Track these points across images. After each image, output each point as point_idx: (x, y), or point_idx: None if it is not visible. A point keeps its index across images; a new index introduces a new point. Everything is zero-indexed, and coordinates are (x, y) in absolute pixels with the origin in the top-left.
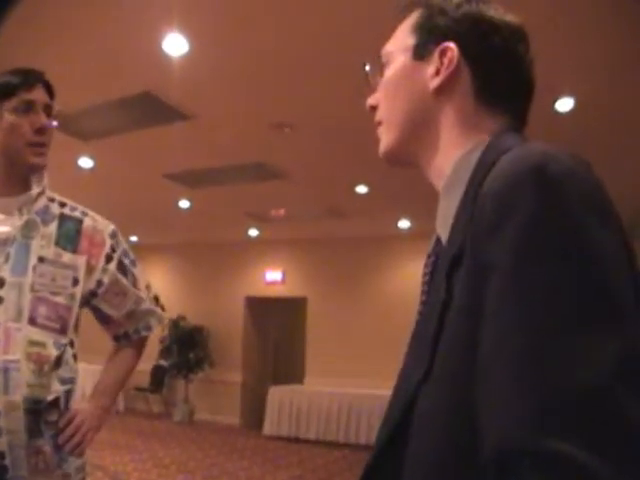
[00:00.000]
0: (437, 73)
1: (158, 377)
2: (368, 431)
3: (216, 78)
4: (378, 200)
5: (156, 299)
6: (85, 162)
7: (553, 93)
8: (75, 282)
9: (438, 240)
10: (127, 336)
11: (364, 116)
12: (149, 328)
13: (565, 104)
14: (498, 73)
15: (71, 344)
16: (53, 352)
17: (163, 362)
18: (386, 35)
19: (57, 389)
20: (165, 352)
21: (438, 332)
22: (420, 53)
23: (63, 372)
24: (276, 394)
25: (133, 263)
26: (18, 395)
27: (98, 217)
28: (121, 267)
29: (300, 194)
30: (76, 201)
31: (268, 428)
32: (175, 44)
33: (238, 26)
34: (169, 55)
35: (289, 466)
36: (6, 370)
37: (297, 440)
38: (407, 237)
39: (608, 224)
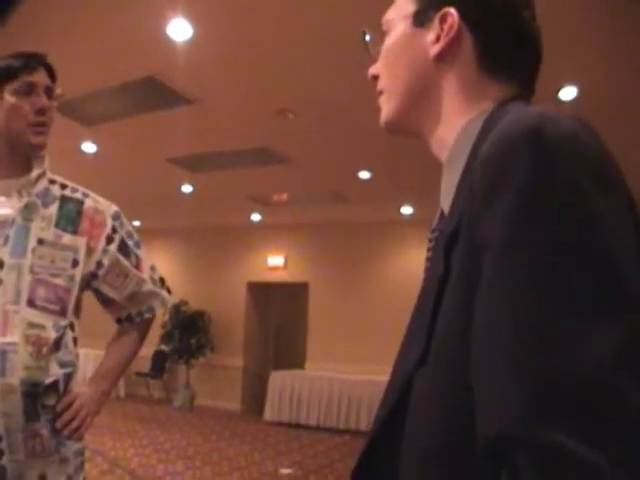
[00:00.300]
0: (437, 39)
1: (159, 362)
2: (369, 417)
3: (220, 63)
4: (381, 186)
5: (162, 281)
6: (88, 147)
7: (556, 81)
8: (75, 263)
9: (442, 214)
10: (130, 319)
11: (367, 102)
12: (152, 310)
13: (568, 93)
14: (501, 39)
15: (71, 327)
16: (52, 334)
17: (164, 347)
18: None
19: (56, 372)
20: (166, 337)
21: (435, 311)
22: (420, 20)
23: (62, 355)
24: (277, 379)
25: (137, 244)
26: (15, 378)
27: (100, 199)
28: (123, 248)
29: (303, 179)
30: (79, 186)
31: (269, 414)
32: (179, 29)
33: (242, 11)
34: (173, 40)
35: (290, 452)
36: (3, 352)
37: (298, 426)
38: (410, 223)
39: (611, 192)
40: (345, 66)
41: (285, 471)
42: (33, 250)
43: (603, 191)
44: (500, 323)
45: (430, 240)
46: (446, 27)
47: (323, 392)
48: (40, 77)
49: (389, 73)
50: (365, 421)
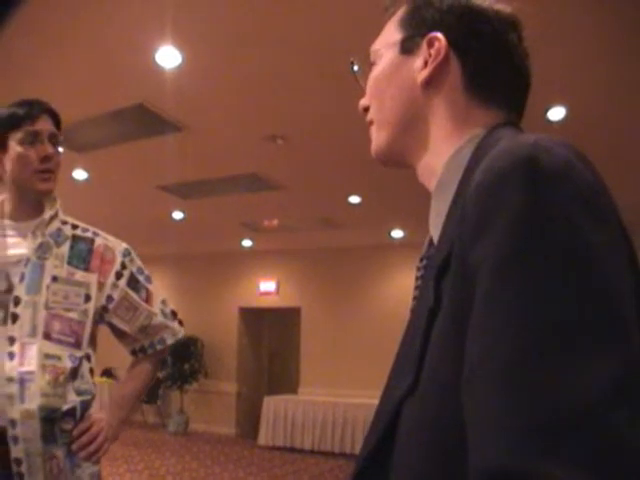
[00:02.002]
0: (425, 65)
1: (153, 388)
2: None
3: (209, 90)
4: (371, 210)
5: (173, 314)
6: (79, 174)
7: (545, 102)
8: (87, 299)
9: (431, 242)
10: (143, 350)
11: (356, 127)
12: (163, 342)
13: (557, 113)
14: (488, 63)
15: (87, 358)
16: (68, 364)
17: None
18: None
19: (74, 399)
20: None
21: (424, 342)
22: (407, 47)
23: (79, 384)
24: (271, 404)
25: (148, 279)
26: (34, 404)
27: (110, 237)
28: (132, 283)
29: (293, 205)
30: (70, 213)
31: (263, 438)
32: (168, 56)
33: (231, 39)
34: (162, 67)
35: (284, 476)
36: (22, 381)
37: (292, 450)
38: (401, 246)
39: (605, 223)
40: (334, 92)
41: None
42: (47, 287)
43: (597, 222)
44: (494, 355)
45: (418, 268)
46: (433, 52)
47: (317, 416)
48: (44, 125)
49: (377, 103)
50: (359, 444)
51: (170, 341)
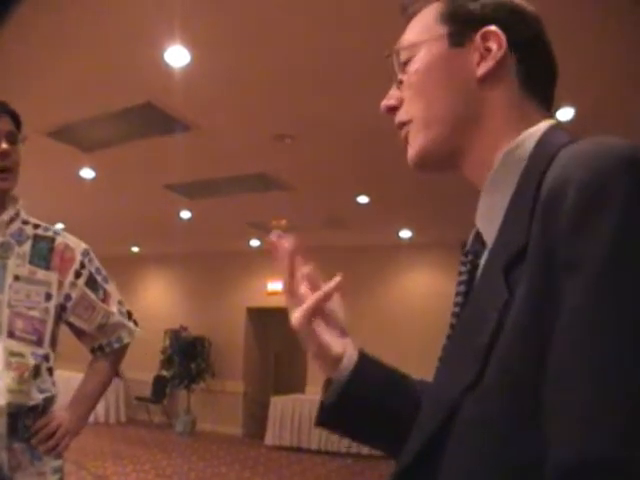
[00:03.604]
0: (481, 59)
1: (160, 387)
2: None
3: (217, 89)
4: (379, 210)
5: (129, 314)
6: (87, 173)
7: (554, 102)
8: (48, 297)
9: (477, 237)
10: (101, 349)
11: (366, 127)
12: (120, 340)
13: (566, 114)
14: (538, 60)
15: (46, 358)
16: (31, 361)
17: (165, 372)
18: (395, 41)
19: (37, 397)
20: (166, 362)
21: (496, 333)
22: (458, 40)
23: (40, 383)
24: (278, 404)
25: (105, 280)
26: (2, 401)
27: (71, 237)
28: (90, 283)
29: (301, 204)
30: (78, 212)
31: (270, 438)
32: (177, 55)
33: (239, 38)
34: (171, 66)
35: (291, 476)
36: None
37: (299, 450)
38: (409, 247)
39: None
40: (343, 91)
41: None
42: (10, 286)
43: None
44: (586, 343)
45: (464, 263)
46: (494, 46)
47: None
48: (1, 124)
49: (422, 100)
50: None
51: (127, 340)
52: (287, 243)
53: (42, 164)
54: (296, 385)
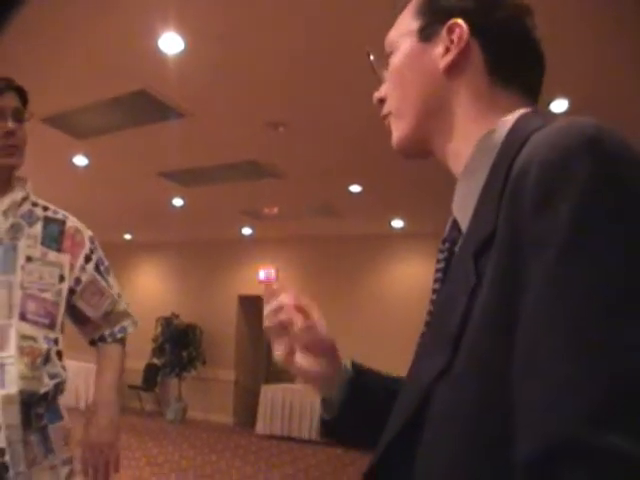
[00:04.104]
0: (446, 52)
1: (151, 375)
2: None
3: (211, 76)
4: (372, 199)
5: (127, 306)
6: (80, 160)
7: (547, 94)
8: (61, 279)
9: (454, 225)
10: (103, 339)
11: (359, 116)
12: (124, 330)
13: (559, 105)
14: (509, 48)
15: (56, 342)
16: (44, 346)
17: (156, 360)
18: (385, 30)
19: (47, 383)
20: (158, 350)
21: (463, 321)
22: (426, 34)
23: (50, 368)
24: (269, 392)
25: (107, 270)
26: (14, 388)
27: (78, 221)
28: (99, 269)
29: (294, 193)
30: (70, 199)
31: (261, 427)
32: (171, 42)
33: (233, 25)
34: (165, 53)
35: (282, 465)
36: (2, 365)
37: (290, 439)
38: (400, 236)
39: None
40: (337, 79)
41: None
42: (22, 267)
43: None
44: (552, 323)
45: (442, 250)
46: (455, 38)
47: (315, 405)
48: (7, 101)
49: (398, 93)
50: None
51: (131, 329)
52: (281, 291)
53: (35, 150)
54: (287, 374)
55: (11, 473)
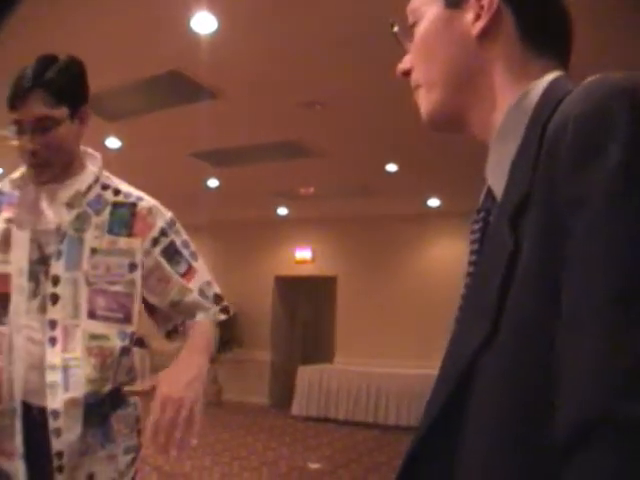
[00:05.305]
0: (477, 18)
1: None
2: (397, 411)
3: (245, 56)
4: (408, 178)
5: (217, 298)
6: (112, 142)
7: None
8: (132, 267)
9: (488, 194)
10: (176, 330)
11: (395, 94)
12: (193, 317)
13: None
14: (540, 12)
15: (132, 336)
16: (117, 343)
17: None
18: None
19: (120, 379)
20: None
21: (504, 287)
22: (454, 0)
23: (128, 362)
24: (305, 374)
25: (193, 255)
26: (80, 392)
27: (157, 203)
28: (170, 254)
29: (329, 172)
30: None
31: (297, 408)
32: (204, 22)
33: (267, 3)
34: (197, 33)
35: (318, 446)
36: (66, 368)
37: (326, 420)
38: (436, 215)
39: None
40: (373, 57)
41: (313, 465)
42: (87, 260)
43: None
44: (593, 289)
45: (476, 221)
46: (485, 3)
47: (351, 386)
48: (29, 110)
49: (427, 63)
50: (393, 415)
51: (200, 318)
52: None
53: None
54: (324, 355)
55: (65, 475)
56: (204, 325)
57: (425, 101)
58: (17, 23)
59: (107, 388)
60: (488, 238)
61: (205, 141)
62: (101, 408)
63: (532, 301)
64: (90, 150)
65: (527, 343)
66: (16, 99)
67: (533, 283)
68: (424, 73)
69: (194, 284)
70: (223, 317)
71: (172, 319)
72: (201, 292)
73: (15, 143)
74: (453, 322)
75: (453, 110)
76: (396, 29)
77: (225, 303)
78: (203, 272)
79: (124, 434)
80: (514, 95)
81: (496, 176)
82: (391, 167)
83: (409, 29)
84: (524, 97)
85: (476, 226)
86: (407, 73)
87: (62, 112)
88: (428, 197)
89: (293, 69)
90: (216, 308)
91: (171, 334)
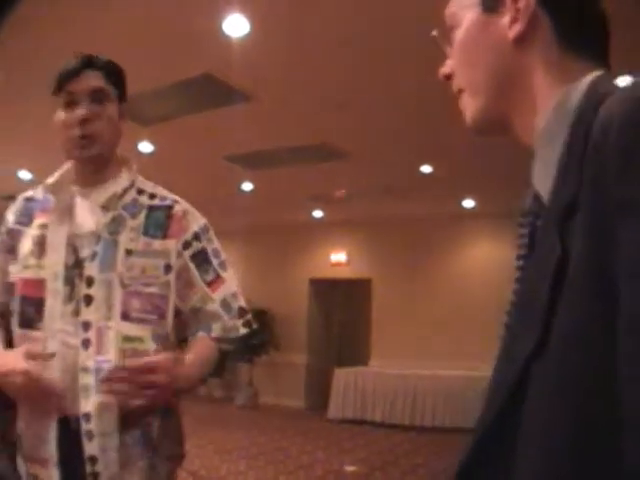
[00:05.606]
0: (514, 22)
1: (219, 360)
2: (433, 413)
3: (277, 58)
4: (442, 180)
5: (241, 311)
6: (145, 147)
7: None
8: (167, 269)
9: (534, 197)
10: (186, 340)
11: (427, 94)
12: (208, 330)
13: None
14: (576, 13)
15: (167, 338)
16: (151, 346)
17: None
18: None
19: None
20: None
21: (554, 293)
22: (490, 5)
23: None
24: (341, 376)
25: (223, 266)
26: (112, 395)
27: (192, 208)
28: (199, 260)
29: (364, 175)
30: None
31: (333, 411)
32: (236, 25)
33: (299, 6)
34: (230, 36)
35: (354, 449)
36: (99, 371)
37: (362, 422)
38: (471, 216)
39: None
40: (404, 58)
41: (350, 468)
42: (122, 262)
43: None
44: None
45: (523, 225)
46: (521, 6)
47: (388, 388)
48: (83, 82)
49: (467, 68)
50: (429, 416)
51: (216, 333)
52: None
53: None
54: (359, 357)
55: None
56: (209, 346)
57: (469, 107)
58: (21, 22)
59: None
60: (536, 243)
61: (238, 144)
62: (137, 412)
63: (583, 306)
64: (125, 155)
65: (579, 348)
66: (70, 74)
67: (583, 288)
68: (465, 78)
69: (218, 294)
70: (244, 331)
71: (188, 327)
72: (224, 303)
73: (62, 116)
74: (502, 327)
75: (496, 115)
76: (435, 33)
77: (248, 317)
78: (231, 283)
79: (165, 442)
80: (554, 98)
81: (542, 180)
82: (425, 168)
83: (447, 33)
84: (565, 99)
85: (523, 230)
86: (449, 77)
87: (114, 91)
88: (463, 198)
89: (324, 71)
90: (236, 322)
91: (181, 344)
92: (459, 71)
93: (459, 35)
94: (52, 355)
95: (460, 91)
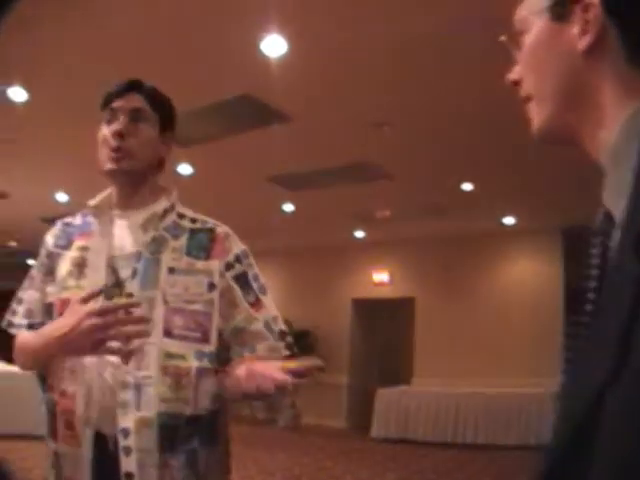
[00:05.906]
0: (584, 32)
1: None
2: (475, 431)
3: (315, 78)
4: (483, 197)
5: (282, 334)
6: (184, 169)
7: None
8: (211, 287)
9: (605, 217)
10: (229, 361)
11: (468, 113)
12: (253, 350)
13: None
14: None
15: (211, 356)
16: (194, 363)
17: None
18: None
19: (203, 404)
20: None
21: (633, 312)
22: (559, 13)
23: (209, 386)
24: (384, 396)
25: (262, 289)
26: (152, 411)
27: (233, 233)
28: (242, 283)
29: (404, 194)
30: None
31: (376, 430)
32: (274, 45)
33: (336, 26)
34: (268, 57)
35: (398, 468)
36: (139, 386)
37: (404, 441)
38: (512, 234)
39: None
40: (443, 77)
41: None
42: (165, 280)
43: None
44: None
45: (594, 245)
46: (591, 17)
47: (430, 407)
48: (126, 102)
49: (535, 76)
50: (472, 434)
51: (260, 353)
52: None
53: None
54: (402, 376)
55: None
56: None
57: (536, 115)
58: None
59: (186, 411)
60: (612, 263)
61: (278, 165)
62: (181, 433)
63: None
64: (165, 184)
65: None
66: (115, 94)
67: None
68: (533, 85)
69: (261, 316)
70: (286, 353)
71: (230, 349)
72: (267, 325)
73: (102, 131)
74: (563, 349)
75: (563, 125)
76: (504, 38)
77: (289, 340)
78: (270, 307)
79: (213, 472)
80: (623, 113)
81: (615, 199)
82: (466, 186)
83: (516, 37)
84: (636, 116)
85: (595, 251)
86: (517, 83)
87: (154, 115)
88: (503, 215)
89: (362, 90)
90: (280, 344)
91: (223, 364)
92: (527, 77)
93: (528, 42)
94: (148, 320)
95: (528, 98)
